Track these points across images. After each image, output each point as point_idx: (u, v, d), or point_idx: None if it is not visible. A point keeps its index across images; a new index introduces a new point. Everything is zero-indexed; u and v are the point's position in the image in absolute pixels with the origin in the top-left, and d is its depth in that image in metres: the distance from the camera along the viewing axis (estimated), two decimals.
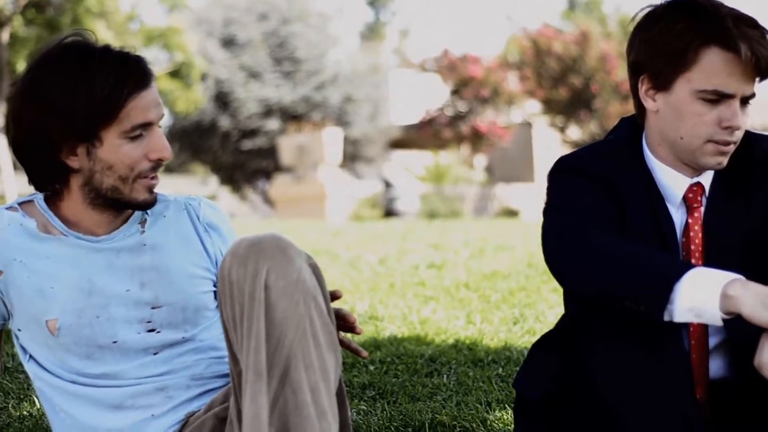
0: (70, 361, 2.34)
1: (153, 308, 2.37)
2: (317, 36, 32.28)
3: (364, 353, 2.46)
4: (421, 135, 33.10)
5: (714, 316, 1.99)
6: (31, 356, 2.39)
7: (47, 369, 2.37)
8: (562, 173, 2.39)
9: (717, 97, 2.25)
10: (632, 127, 2.45)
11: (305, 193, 24.98)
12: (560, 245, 2.24)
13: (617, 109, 29.35)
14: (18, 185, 20.95)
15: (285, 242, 2.11)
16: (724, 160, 2.32)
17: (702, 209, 2.38)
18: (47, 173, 2.34)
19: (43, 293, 2.31)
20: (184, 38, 23.65)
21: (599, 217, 2.27)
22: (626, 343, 2.12)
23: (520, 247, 9.15)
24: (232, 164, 31.92)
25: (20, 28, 21.34)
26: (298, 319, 2.06)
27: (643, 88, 2.35)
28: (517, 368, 3.59)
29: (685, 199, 2.37)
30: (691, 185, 2.37)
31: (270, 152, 30.38)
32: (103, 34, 19.19)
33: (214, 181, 34.79)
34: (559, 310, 5.33)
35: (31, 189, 2.42)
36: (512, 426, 3.14)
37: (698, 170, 2.36)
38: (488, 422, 3.24)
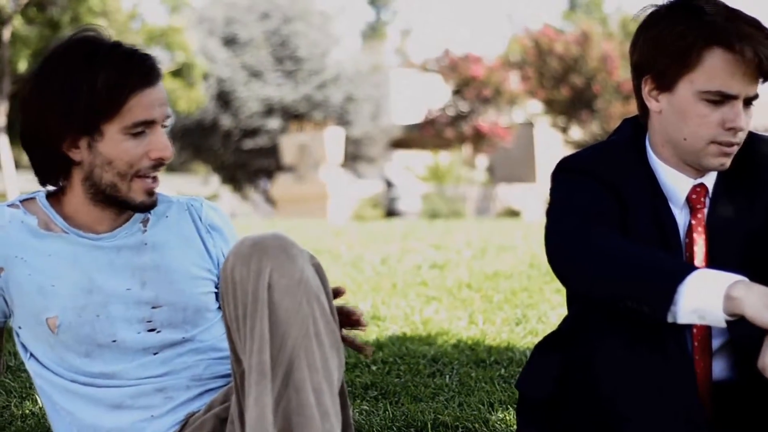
0: (69, 360, 2.34)
1: (153, 308, 2.37)
2: (319, 35, 32.30)
3: (369, 350, 2.45)
4: (423, 135, 33.11)
5: (717, 318, 1.99)
6: (31, 354, 2.39)
7: (47, 367, 2.37)
8: (565, 173, 2.38)
9: (720, 98, 2.25)
10: (635, 128, 2.44)
11: (307, 193, 25.01)
12: (563, 245, 2.23)
13: (619, 110, 29.37)
14: (19, 183, 20.95)
15: (288, 242, 2.10)
16: (727, 161, 2.31)
17: (705, 210, 2.37)
18: (50, 165, 2.34)
19: (44, 291, 2.31)
20: (185, 38, 23.64)
21: (602, 218, 2.26)
22: (629, 344, 2.12)
23: (522, 248, 9.15)
24: (234, 163, 31.94)
25: (21, 26, 21.33)
26: (302, 319, 2.05)
27: (646, 88, 2.35)
28: (520, 369, 3.59)
29: (688, 200, 2.37)
30: (695, 186, 2.37)
31: (271, 152, 30.40)
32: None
33: (215, 180, 34.81)
34: (562, 311, 5.33)
35: (33, 188, 2.42)
36: (515, 427, 3.14)
37: (701, 171, 2.36)
38: (490, 423, 3.24)
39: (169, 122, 2.35)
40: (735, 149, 2.31)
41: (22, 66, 20.70)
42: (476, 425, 3.21)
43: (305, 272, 2.08)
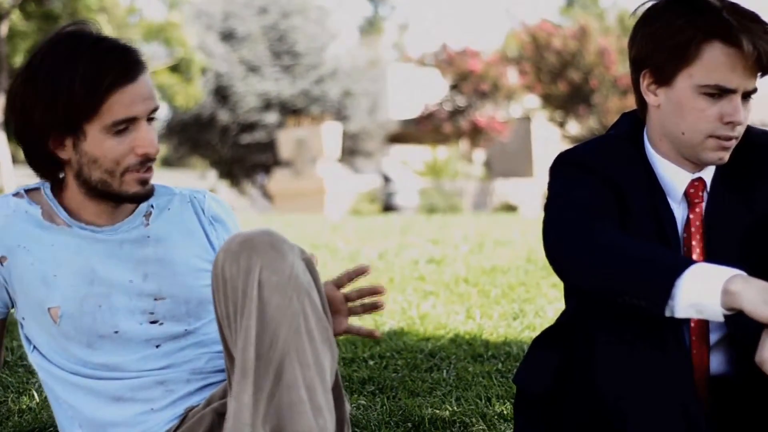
0: (72, 350, 2.34)
1: (156, 300, 2.37)
2: (316, 30, 32.28)
3: (377, 333, 2.44)
4: (420, 129, 33.10)
5: (715, 312, 1.99)
6: (35, 347, 2.39)
7: (50, 359, 2.37)
8: (563, 167, 2.38)
9: (718, 92, 2.25)
10: (634, 122, 2.44)
11: (304, 188, 25.00)
12: (561, 239, 2.23)
13: (616, 104, 29.38)
14: (17, 178, 20.94)
15: (278, 238, 2.10)
16: (726, 156, 2.31)
17: (703, 204, 2.37)
18: (42, 162, 2.33)
19: (46, 281, 2.31)
20: (183, 33, 23.63)
21: (600, 212, 2.26)
22: (627, 338, 2.12)
23: (519, 242, 9.16)
24: (231, 158, 31.93)
25: (19, 21, 21.32)
26: (292, 316, 2.05)
27: (644, 83, 2.35)
28: (517, 363, 3.59)
29: (686, 194, 2.37)
30: (693, 180, 2.36)
31: (269, 146, 30.40)
32: (102, 28, 19.16)
33: (212, 175, 34.80)
34: (559, 306, 5.34)
35: (30, 183, 2.42)
36: (512, 421, 3.14)
37: (699, 165, 2.36)
38: (488, 417, 3.24)
39: (156, 114, 2.32)
40: (733, 143, 2.30)
41: (20, 61, 20.69)
42: (473, 420, 3.21)
43: (295, 268, 2.08)
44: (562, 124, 31.82)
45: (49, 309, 2.31)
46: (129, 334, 2.34)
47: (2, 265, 2.32)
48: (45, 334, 2.35)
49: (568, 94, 30.68)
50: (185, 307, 2.39)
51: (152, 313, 2.36)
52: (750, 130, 2.41)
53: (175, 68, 24.03)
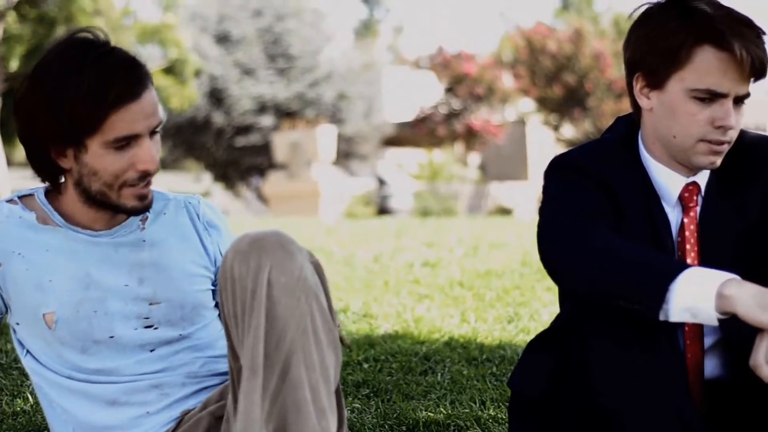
0: (66, 356, 2.33)
1: (151, 304, 2.37)
2: (311, 33, 32.27)
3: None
4: (415, 132, 33.10)
5: (709, 316, 1.99)
6: (28, 351, 2.38)
7: (44, 364, 2.36)
8: (558, 171, 2.38)
9: (710, 97, 2.25)
10: (629, 126, 2.44)
11: (299, 191, 25.00)
12: (556, 243, 2.23)
13: (611, 108, 29.41)
14: (12, 182, 20.91)
15: (287, 239, 2.10)
16: (718, 160, 2.31)
17: (698, 209, 2.38)
18: (43, 168, 2.34)
19: (41, 286, 2.30)
20: (178, 34, 23.62)
21: (595, 216, 2.26)
22: (622, 342, 2.12)
23: (514, 246, 9.15)
24: (226, 161, 31.91)
25: (14, 24, 21.29)
26: (299, 317, 2.05)
27: (637, 86, 2.35)
28: (512, 367, 3.59)
29: (680, 198, 2.37)
30: (687, 185, 2.37)
31: (264, 149, 30.37)
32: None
33: (207, 177, 34.78)
34: (554, 309, 5.33)
35: (25, 185, 2.42)
36: (507, 425, 3.14)
37: (693, 170, 2.36)
38: (482, 421, 3.24)
39: (159, 128, 2.31)
40: (725, 148, 2.30)
41: (15, 64, 20.66)
42: (468, 423, 3.21)
43: (304, 270, 2.08)
44: (557, 128, 31.84)
45: (44, 314, 2.31)
46: (124, 339, 2.34)
47: None
48: (39, 339, 2.35)
49: (563, 98, 30.70)
50: (180, 312, 2.39)
51: (147, 318, 2.36)
52: (744, 135, 2.41)
53: (169, 70, 24.01)
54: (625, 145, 2.41)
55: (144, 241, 2.40)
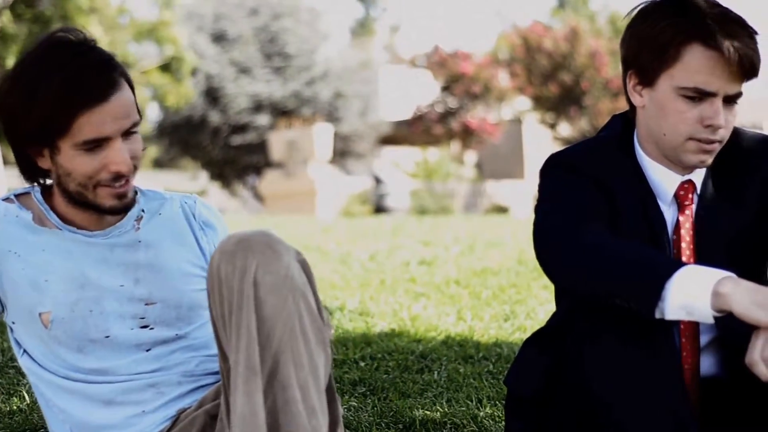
0: (62, 355, 2.33)
1: (147, 305, 2.37)
2: (308, 32, 32.23)
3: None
4: (412, 131, 33.07)
5: (705, 314, 2.00)
6: (25, 351, 2.39)
7: (40, 364, 2.36)
8: (553, 169, 2.39)
9: (699, 95, 2.25)
10: (624, 124, 2.45)
11: (295, 189, 24.98)
12: (551, 242, 2.24)
13: (607, 106, 29.40)
14: (8, 180, 20.88)
15: (273, 238, 2.10)
16: (708, 159, 2.31)
17: (693, 207, 2.38)
18: (26, 168, 2.34)
19: (37, 286, 2.31)
20: (174, 31, 23.58)
21: (590, 214, 2.27)
22: (617, 340, 2.12)
23: (510, 244, 9.16)
24: (222, 160, 31.86)
25: (9, 23, 21.27)
26: (287, 316, 2.05)
27: (630, 83, 2.36)
28: (508, 365, 3.59)
29: (676, 196, 2.37)
30: (682, 183, 2.37)
31: (260, 148, 30.34)
32: (93, 28, 19.12)
33: (204, 176, 34.73)
34: (550, 307, 5.34)
35: (20, 184, 2.42)
36: (503, 423, 3.14)
37: (687, 168, 2.36)
38: (479, 419, 3.24)
39: (137, 128, 2.29)
40: (716, 147, 2.30)
41: (11, 63, 20.63)
42: (464, 421, 3.22)
43: (291, 269, 2.08)
44: (553, 126, 31.83)
45: (40, 314, 2.31)
46: (120, 339, 2.34)
47: None
48: (35, 338, 2.35)
49: (559, 96, 30.68)
50: (176, 312, 2.39)
51: (143, 318, 2.36)
52: (740, 133, 2.41)
53: (165, 68, 23.98)
54: (620, 143, 2.41)
55: (139, 241, 2.40)
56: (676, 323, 2.32)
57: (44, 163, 2.29)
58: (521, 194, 31.29)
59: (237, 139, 31.19)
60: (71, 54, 2.23)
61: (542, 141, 33.56)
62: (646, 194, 2.36)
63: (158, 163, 39.04)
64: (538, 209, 2.34)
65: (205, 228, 2.51)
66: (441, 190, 28.45)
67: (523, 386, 2.40)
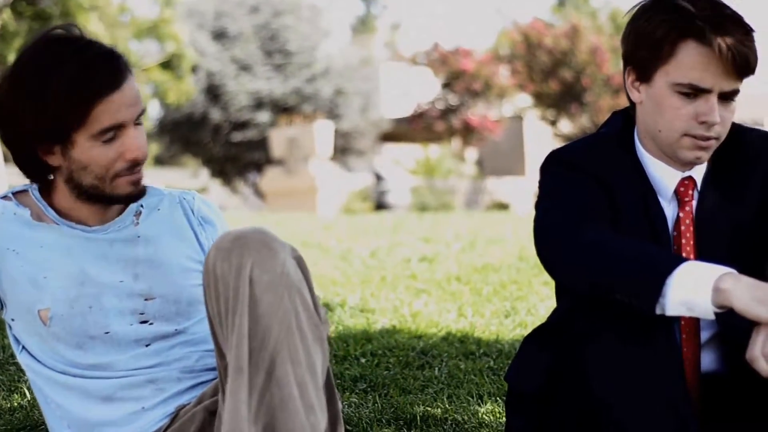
0: (62, 352, 2.34)
1: (146, 300, 2.37)
2: (308, 29, 32.22)
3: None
4: (412, 128, 33.06)
5: (706, 310, 2.00)
6: (23, 347, 2.39)
7: (39, 360, 2.36)
8: (554, 166, 2.39)
9: (693, 92, 2.25)
10: (624, 121, 2.45)
11: (296, 186, 24.96)
12: (552, 238, 2.24)
13: (608, 103, 29.37)
14: (9, 177, 20.88)
15: (269, 236, 2.10)
16: (704, 155, 2.31)
17: (693, 203, 2.38)
18: (31, 168, 2.34)
19: (36, 283, 2.31)
20: (175, 28, 23.58)
21: (591, 211, 2.27)
22: (618, 336, 2.12)
23: (511, 241, 9.16)
24: (223, 157, 31.85)
25: (10, 20, 21.27)
26: (283, 314, 2.05)
27: (629, 79, 2.37)
28: (509, 361, 3.59)
29: (676, 192, 2.37)
30: (683, 179, 2.37)
31: (261, 145, 30.32)
32: (94, 26, 19.13)
33: (204, 173, 34.72)
34: (551, 303, 5.34)
35: (22, 182, 2.42)
36: (504, 419, 3.14)
37: (685, 164, 2.36)
38: (479, 415, 3.24)
39: (142, 118, 2.31)
40: (711, 143, 2.30)
41: (12, 60, 20.61)
42: (465, 417, 3.22)
43: (287, 266, 2.07)
44: (554, 123, 31.81)
45: (39, 311, 2.31)
46: (119, 335, 2.34)
47: None
48: (34, 335, 2.35)
49: (560, 93, 30.66)
50: (175, 307, 2.39)
51: (142, 314, 2.37)
52: (740, 129, 2.41)
53: (166, 65, 23.97)
54: (620, 139, 2.41)
55: (138, 236, 2.40)
56: (676, 319, 2.32)
57: (55, 160, 2.29)
58: (522, 191, 31.28)
59: (238, 136, 31.18)
60: (76, 47, 2.25)
61: (543, 138, 33.56)
62: (647, 191, 2.36)
63: (159, 161, 39.04)
64: (539, 206, 2.34)
65: (204, 224, 2.51)
66: (442, 186, 28.44)
67: (523, 383, 2.40)
